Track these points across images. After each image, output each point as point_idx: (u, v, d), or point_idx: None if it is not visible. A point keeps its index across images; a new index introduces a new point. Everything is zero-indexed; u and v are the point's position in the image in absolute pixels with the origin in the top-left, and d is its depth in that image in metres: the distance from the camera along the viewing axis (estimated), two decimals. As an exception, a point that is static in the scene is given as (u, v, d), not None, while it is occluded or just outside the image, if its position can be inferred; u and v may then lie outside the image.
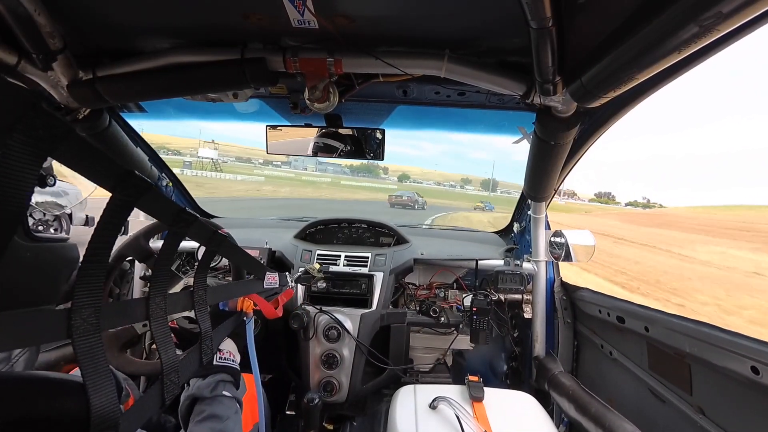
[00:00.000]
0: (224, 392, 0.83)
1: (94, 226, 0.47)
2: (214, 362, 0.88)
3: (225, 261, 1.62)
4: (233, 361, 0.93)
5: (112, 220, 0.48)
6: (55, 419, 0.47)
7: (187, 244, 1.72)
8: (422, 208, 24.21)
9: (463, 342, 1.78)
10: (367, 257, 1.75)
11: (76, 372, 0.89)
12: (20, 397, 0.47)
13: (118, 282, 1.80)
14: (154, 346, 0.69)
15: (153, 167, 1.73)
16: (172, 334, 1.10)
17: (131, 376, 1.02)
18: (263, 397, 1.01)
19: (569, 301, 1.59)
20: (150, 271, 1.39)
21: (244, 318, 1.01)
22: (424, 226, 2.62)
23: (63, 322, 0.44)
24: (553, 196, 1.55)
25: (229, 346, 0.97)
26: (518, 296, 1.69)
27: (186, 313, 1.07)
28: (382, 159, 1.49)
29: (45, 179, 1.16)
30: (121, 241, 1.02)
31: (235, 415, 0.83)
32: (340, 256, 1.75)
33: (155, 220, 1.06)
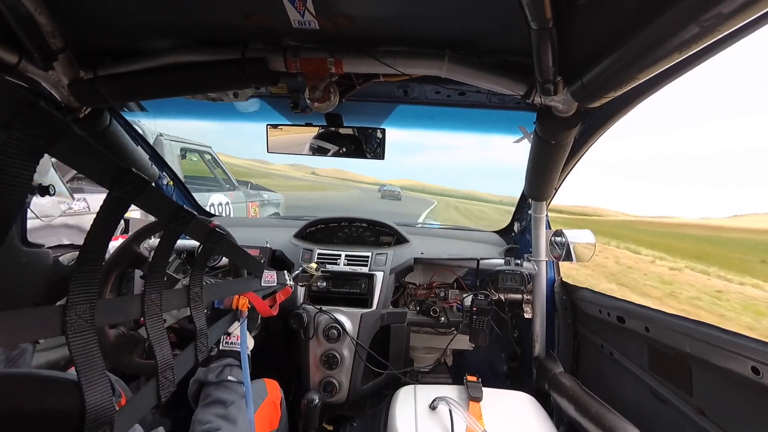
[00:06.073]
0: (229, 377, 0.85)
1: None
2: (221, 347, 0.91)
3: (225, 260, 1.62)
4: (236, 344, 0.95)
5: (109, 216, 0.48)
6: (48, 415, 0.47)
7: (188, 242, 1.73)
8: (398, 199, 32.98)
9: (463, 342, 1.78)
10: (368, 256, 1.75)
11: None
12: (8, 392, 0.47)
13: (117, 284, 1.80)
14: None
15: (153, 166, 1.73)
16: (172, 333, 1.10)
17: (124, 377, 1.02)
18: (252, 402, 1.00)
19: (569, 301, 1.59)
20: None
21: (239, 316, 1.01)
22: (423, 226, 2.62)
23: (57, 318, 0.44)
24: (553, 196, 1.55)
25: (237, 331, 0.98)
26: (518, 296, 1.69)
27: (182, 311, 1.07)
28: (383, 158, 1.49)
29: (47, 189, 1.15)
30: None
31: (240, 399, 0.85)
32: (340, 255, 1.75)
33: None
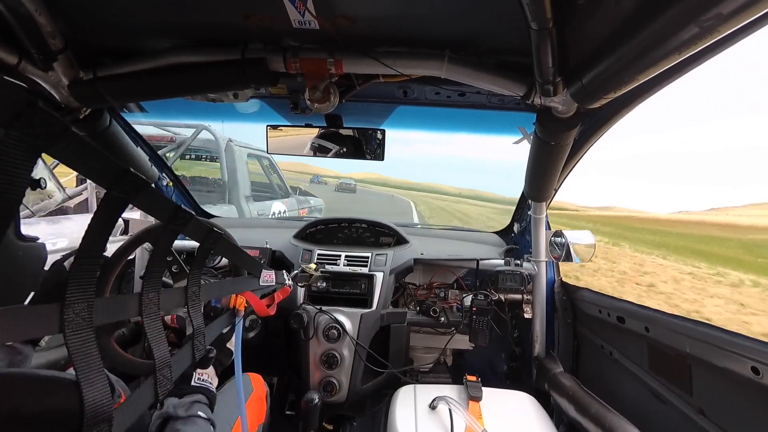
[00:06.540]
0: (199, 413, 0.82)
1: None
2: (192, 383, 0.88)
3: (225, 260, 1.62)
4: (211, 383, 0.93)
5: (107, 216, 0.48)
6: (47, 415, 0.47)
7: (188, 243, 1.72)
8: (353, 191, 31.76)
9: (463, 342, 1.78)
10: (367, 257, 1.75)
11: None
12: (8, 392, 0.47)
13: (116, 284, 1.80)
14: None
15: (153, 167, 1.73)
16: (171, 333, 1.10)
17: (124, 377, 1.02)
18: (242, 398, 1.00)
19: (569, 302, 1.59)
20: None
21: (236, 316, 1.01)
22: (423, 227, 2.62)
23: (55, 316, 0.44)
24: (553, 197, 1.55)
25: (208, 370, 0.97)
26: (518, 296, 1.69)
27: (182, 311, 1.07)
28: (382, 159, 1.49)
29: (38, 182, 1.15)
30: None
31: None
32: (340, 256, 1.75)
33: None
